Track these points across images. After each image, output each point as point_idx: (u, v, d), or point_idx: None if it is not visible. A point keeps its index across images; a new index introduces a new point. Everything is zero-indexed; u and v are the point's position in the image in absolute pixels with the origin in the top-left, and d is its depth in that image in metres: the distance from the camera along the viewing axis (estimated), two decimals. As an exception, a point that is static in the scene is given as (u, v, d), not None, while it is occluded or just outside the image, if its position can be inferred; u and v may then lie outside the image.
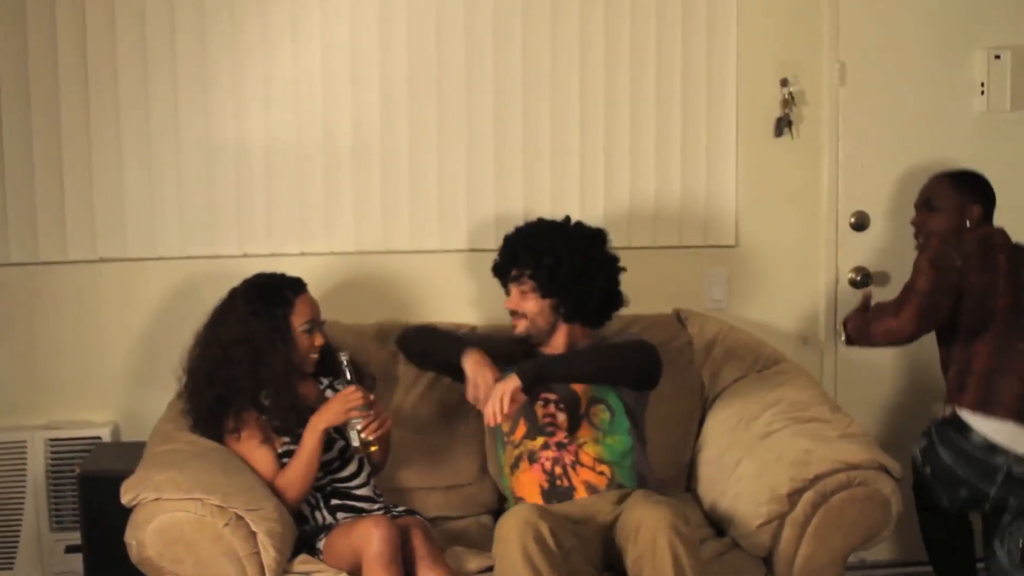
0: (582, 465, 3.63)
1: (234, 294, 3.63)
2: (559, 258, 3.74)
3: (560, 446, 3.64)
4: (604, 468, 3.62)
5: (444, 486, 3.95)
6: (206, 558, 3.25)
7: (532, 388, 3.56)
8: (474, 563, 3.45)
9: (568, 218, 3.89)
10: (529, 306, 3.78)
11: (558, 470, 3.62)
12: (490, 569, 3.36)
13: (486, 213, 4.33)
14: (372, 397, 3.51)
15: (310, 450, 3.46)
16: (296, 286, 3.64)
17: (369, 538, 3.23)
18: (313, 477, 3.49)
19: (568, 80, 4.34)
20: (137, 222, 4.16)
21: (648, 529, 3.22)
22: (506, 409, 3.47)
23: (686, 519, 3.29)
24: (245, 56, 4.16)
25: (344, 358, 3.53)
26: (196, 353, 3.61)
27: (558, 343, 3.83)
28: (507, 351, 3.79)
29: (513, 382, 3.50)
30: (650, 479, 3.70)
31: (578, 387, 3.72)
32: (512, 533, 3.21)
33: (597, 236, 3.87)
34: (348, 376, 3.52)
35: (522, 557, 3.16)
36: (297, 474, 3.46)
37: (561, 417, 3.69)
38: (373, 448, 3.51)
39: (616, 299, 3.87)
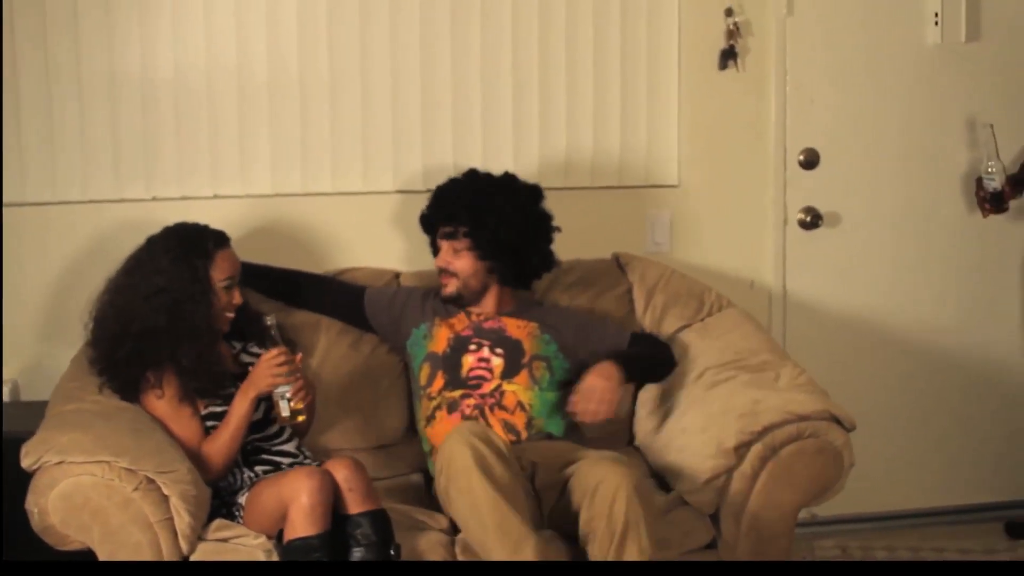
0: (501, 408, 3.68)
1: (152, 241, 3.59)
2: (500, 218, 3.76)
3: (483, 396, 3.68)
4: (525, 412, 3.67)
5: (371, 446, 3.93)
6: (115, 525, 3.19)
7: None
8: (404, 521, 3.43)
9: (506, 173, 3.90)
10: (462, 265, 3.80)
11: (476, 413, 3.66)
12: (425, 526, 3.42)
13: (414, 151, 4.27)
14: (300, 358, 3.50)
15: (240, 416, 3.44)
16: (218, 239, 3.61)
17: (299, 490, 3.19)
18: (240, 444, 3.47)
19: (500, 8, 4.27)
20: (36, 164, 4.05)
21: (608, 490, 3.23)
22: (611, 414, 3.59)
23: (647, 481, 3.31)
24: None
25: (270, 322, 3.50)
26: (107, 301, 3.56)
27: (488, 305, 3.87)
28: (406, 301, 3.91)
29: (618, 380, 3.60)
30: (583, 430, 3.77)
31: (523, 337, 3.79)
32: (458, 440, 3.26)
33: (535, 192, 3.89)
34: (276, 342, 3.49)
35: (472, 458, 3.20)
36: (224, 442, 3.44)
37: (496, 361, 3.74)
38: (300, 418, 3.49)
39: (550, 260, 3.91)
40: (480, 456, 3.22)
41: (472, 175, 3.91)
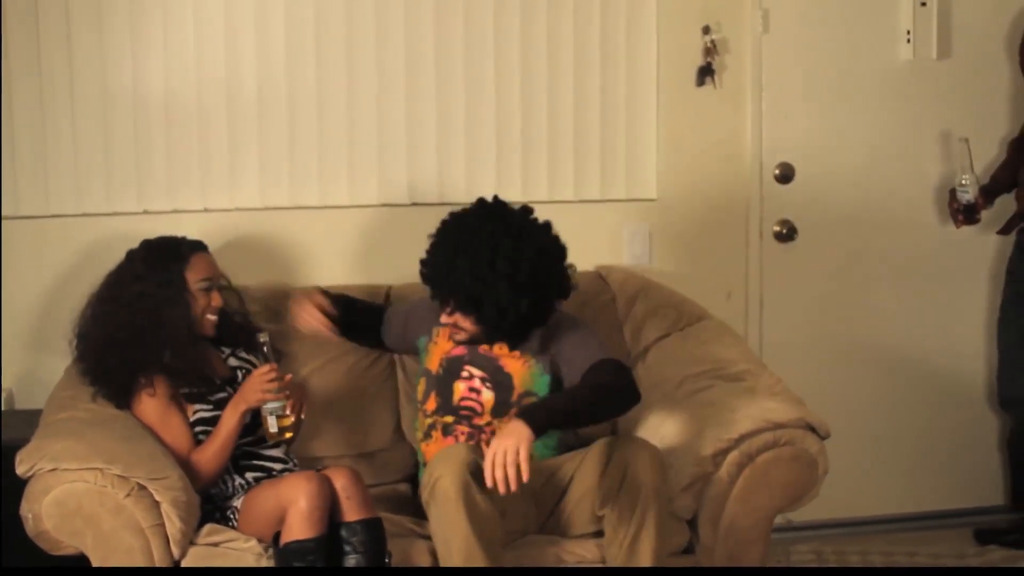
0: None
1: (131, 254, 3.63)
2: (502, 311, 3.47)
3: (476, 426, 3.63)
4: None
5: (356, 453, 3.93)
6: (107, 530, 3.20)
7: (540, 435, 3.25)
8: (394, 529, 3.43)
9: (509, 235, 3.47)
10: (469, 325, 3.59)
11: (471, 442, 3.59)
12: (414, 534, 3.42)
13: (399, 166, 4.28)
14: (290, 378, 3.51)
15: (230, 429, 3.46)
16: (194, 244, 3.65)
17: (298, 493, 3.21)
18: (229, 455, 3.49)
19: (483, 26, 4.30)
20: (30, 178, 4.06)
21: (627, 453, 3.28)
22: (525, 476, 3.10)
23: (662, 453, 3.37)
24: (143, -2, 4.09)
25: (263, 339, 3.52)
26: (92, 315, 3.58)
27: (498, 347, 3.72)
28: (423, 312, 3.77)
29: (524, 438, 3.13)
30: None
31: (516, 371, 3.63)
32: (446, 468, 3.19)
33: (542, 246, 3.54)
34: (267, 358, 3.51)
35: (459, 489, 3.15)
36: (214, 452, 3.46)
37: (487, 395, 3.64)
38: (288, 435, 3.50)
39: (564, 294, 3.63)
40: (467, 489, 3.16)
41: (470, 250, 3.45)
